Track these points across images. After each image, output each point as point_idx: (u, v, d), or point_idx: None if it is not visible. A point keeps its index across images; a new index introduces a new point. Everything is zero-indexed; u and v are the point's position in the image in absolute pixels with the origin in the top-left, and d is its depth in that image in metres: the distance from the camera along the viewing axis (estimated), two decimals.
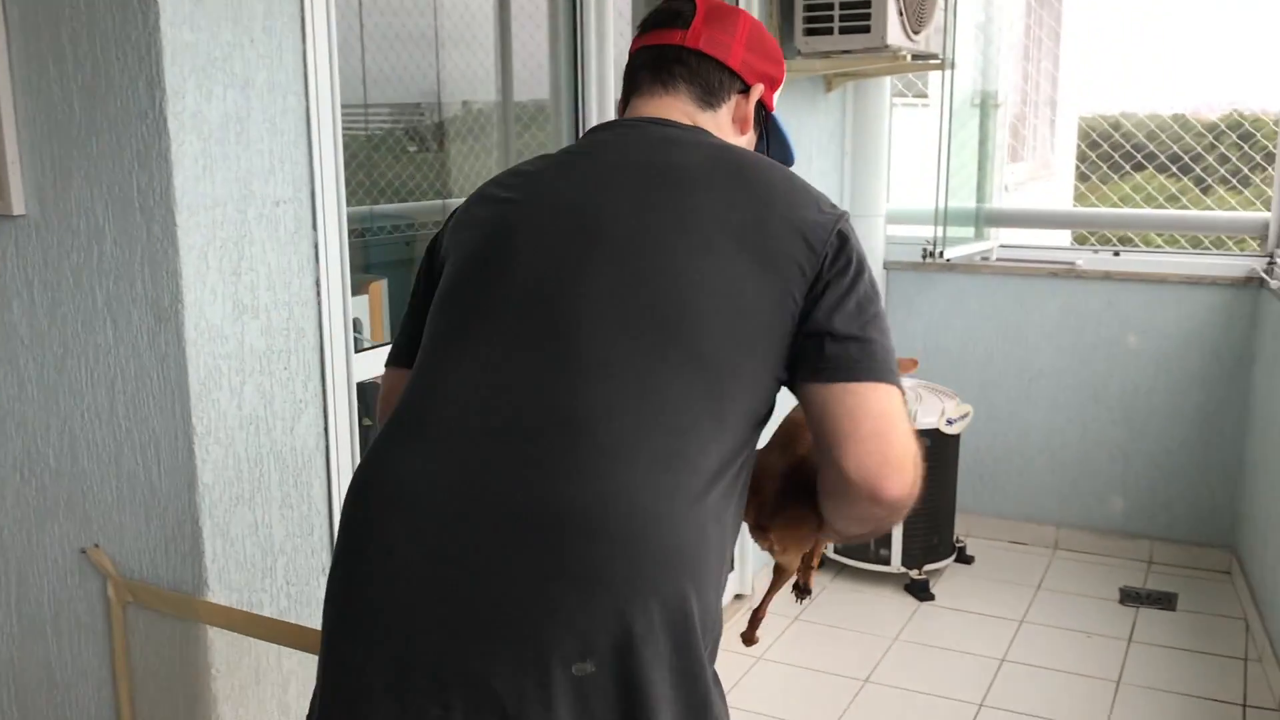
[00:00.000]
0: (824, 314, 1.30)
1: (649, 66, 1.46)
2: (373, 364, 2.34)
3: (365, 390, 2.91)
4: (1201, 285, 4.16)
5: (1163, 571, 4.29)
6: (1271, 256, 4.07)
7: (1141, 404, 4.31)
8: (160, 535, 1.89)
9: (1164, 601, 4.02)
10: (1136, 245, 4.69)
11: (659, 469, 1.23)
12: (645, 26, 1.50)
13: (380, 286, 3.86)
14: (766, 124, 1.55)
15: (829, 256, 1.30)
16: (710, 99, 1.45)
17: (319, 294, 2.04)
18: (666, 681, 1.21)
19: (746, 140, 1.52)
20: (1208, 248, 4.55)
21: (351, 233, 5.18)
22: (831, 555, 4.25)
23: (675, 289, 1.29)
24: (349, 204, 4.94)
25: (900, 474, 1.28)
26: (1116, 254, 4.40)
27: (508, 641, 1.19)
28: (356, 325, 3.47)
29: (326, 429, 2.09)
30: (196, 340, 1.80)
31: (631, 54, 1.51)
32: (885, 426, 1.28)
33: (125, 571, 1.94)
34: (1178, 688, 3.43)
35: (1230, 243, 4.45)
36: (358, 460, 2.16)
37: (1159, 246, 4.63)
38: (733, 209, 1.33)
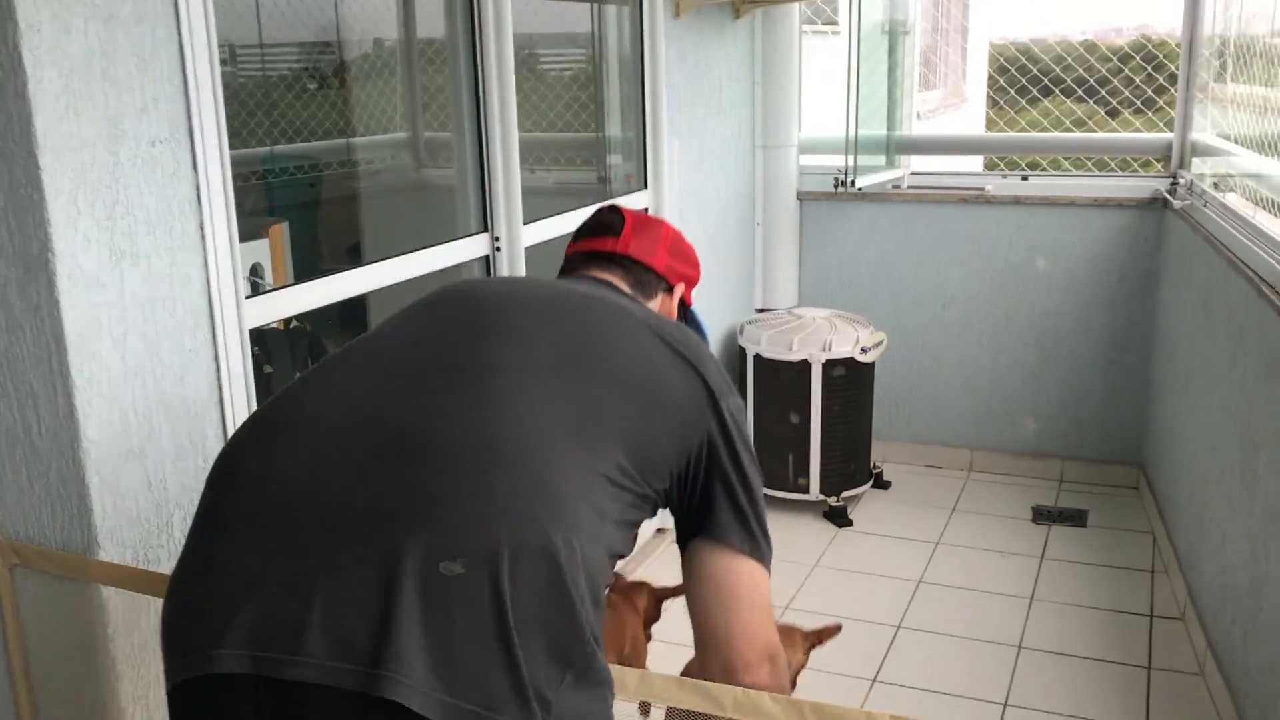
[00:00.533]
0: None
1: (586, 263, 1.67)
2: (271, 309, 2.27)
3: (265, 336, 2.82)
4: (1108, 208, 4.21)
5: (1074, 489, 4.40)
6: (1174, 177, 4.13)
7: (1051, 327, 4.38)
8: (45, 494, 1.81)
9: (1075, 519, 4.12)
10: (1045, 170, 4.73)
11: (566, 456, 1.30)
12: (579, 235, 1.71)
13: (281, 229, 3.74)
14: (685, 316, 1.74)
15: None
16: (642, 291, 1.65)
17: (203, 238, 1.96)
18: (539, 612, 1.20)
19: None
20: (1115, 171, 4.60)
21: (252, 175, 5.01)
22: None
23: (598, 354, 1.43)
24: (248, 145, 4.77)
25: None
26: (1025, 178, 4.43)
27: (375, 538, 1.19)
28: (256, 270, 3.37)
29: (220, 378, 2.02)
30: (71, 290, 1.72)
31: (567, 257, 1.71)
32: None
33: (10, 534, 1.86)
34: (1088, 601, 3.52)
35: (1135, 165, 4.51)
36: (252, 409, 2.09)
37: (1067, 171, 4.67)
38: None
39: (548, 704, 1.18)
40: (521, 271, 2.95)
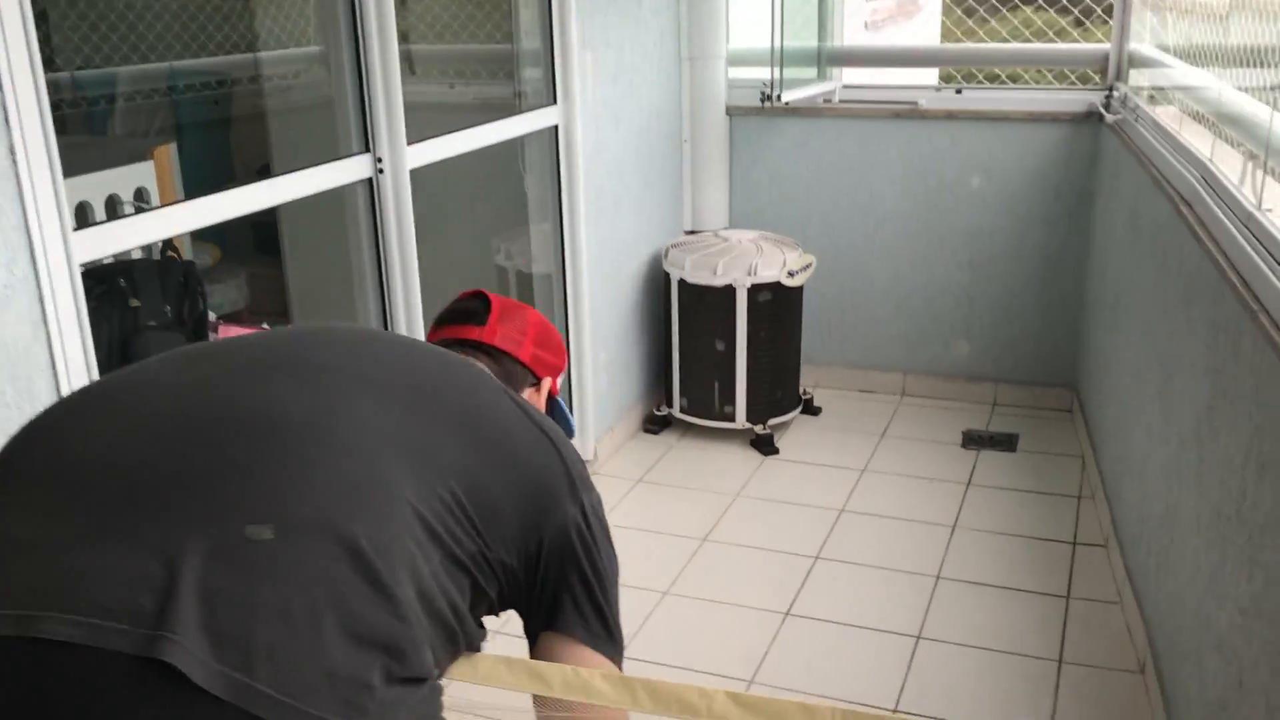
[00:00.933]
0: None
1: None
2: (111, 240, 2.09)
3: (133, 269, 2.65)
4: (1043, 122, 4.07)
5: (1006, 413, 4.32)
6: (1110, 90, 3.99)
7: (985, 246, 4.26)
8: None
9: (1005, 443, 4.05)
10: (984, 84, 4.56)
11: (399, 465, 1.20)
12: (441, 322, 1.61)
13: (168, 150, 3.52)
14: (551, 409, 1.63)
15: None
16: (509, 382, 1.52)
17: (15, 164, 1.78)
18: (351, 593, 1.07)
19: None
20: (1074, 85, 4.44)
21: (151, 92, 4.72)
22: (677, 415, 4.16)
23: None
24: (149, 60, 4.48)
25: None
26: (959, 91, 4.27)
27: (176, 501, 1.09)
28: (141, 194, 3.17)
29: (45, 316, 1.86)
30: None
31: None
32: None
33: None
34: (1011, 529, 3.46)
35: (1073, 77, 4.35)
36: (89, 348, 1.94)
37: (1004, 84, 4.51)
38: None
39: (361, 695, 1.06)
40: (407, 196, 2.78)
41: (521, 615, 1.38)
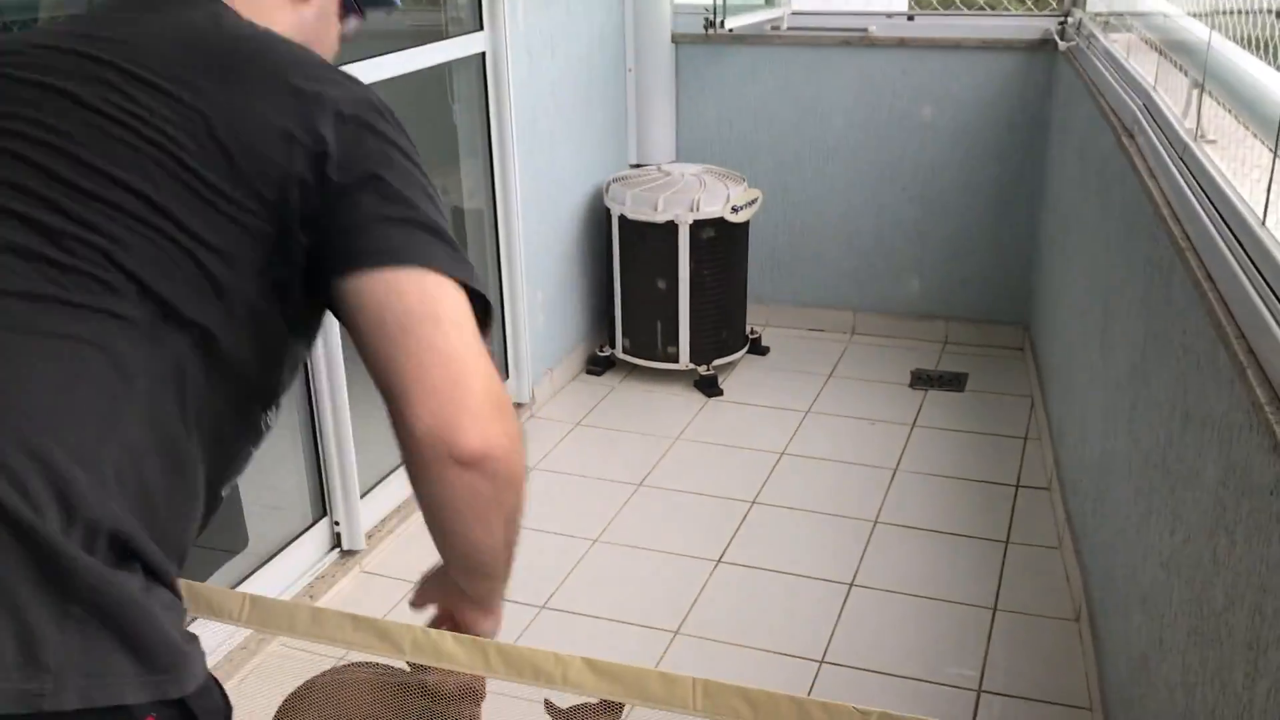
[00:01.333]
0: None
1: None
2: None
3: None
4: (997, 50, 3.92)
5: (958, 352, 4.22)
6: (1065, 16, 3.84)
7: (937, 180, 4.13)
8: None
9: (953, 383, 3.96)
10: (935, 10, 4.39)
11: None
12: None
13: None
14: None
15: None
16: None
17: None
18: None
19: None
20: (1030, 8, 4.27)
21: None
22: (621, 355, 4.05)
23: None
24: None
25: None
26: (911, 18, 4.10)
27: None
28: None
29: None
30: None
31: None
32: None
33: None
34: (954, 471, 3.37)
35: (1029, 2, 4.19)
36: None
37: (958, 10, 4.33)
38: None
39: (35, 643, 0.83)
40: None
41: (326, 262, 1.04)
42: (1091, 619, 2.49)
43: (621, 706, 1.90)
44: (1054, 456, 3.23)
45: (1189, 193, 1.83)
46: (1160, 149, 2.10)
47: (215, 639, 2.50)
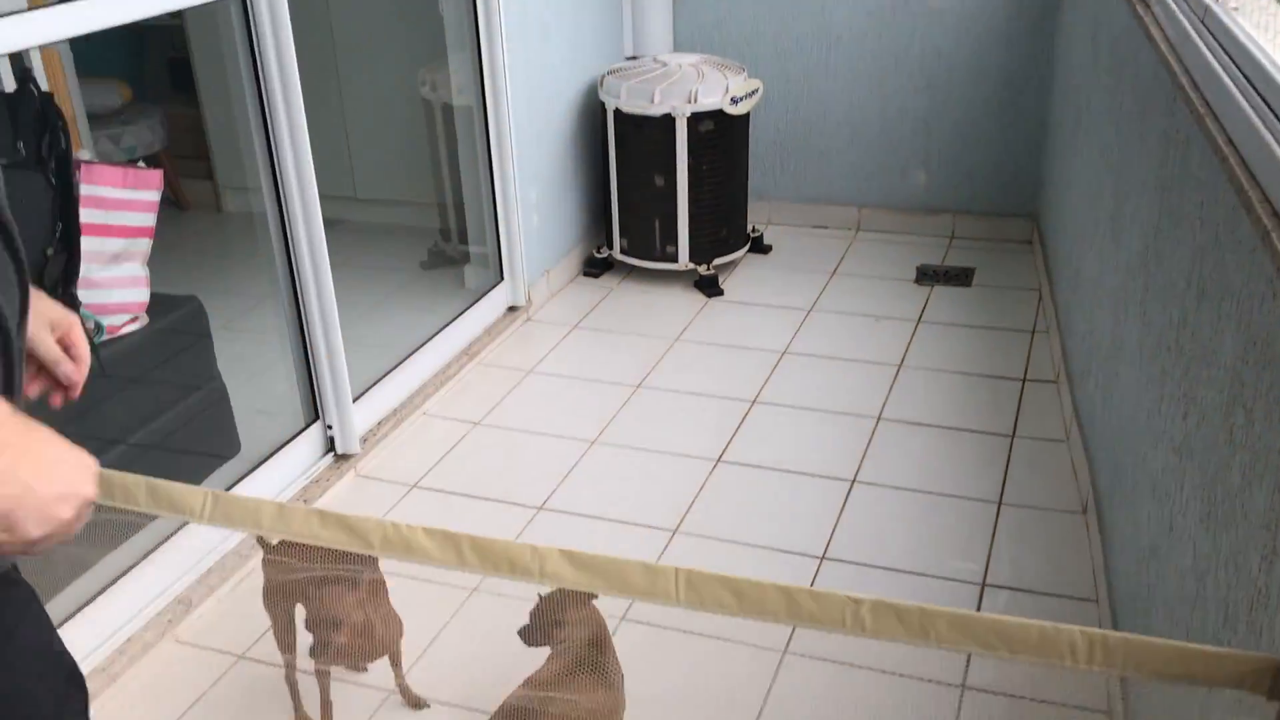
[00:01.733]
0: None
1: None
2: None
3: None
4: None
5: (964, 246, 4.12)
6: None
7: (944, 68, 3.98)
8: None
9: (960, 278, 3.86)
10: None
11: None
12: None
13: None
14: None
15: None
16: None
17: None
18: None
19: None
20: None
21: None
22: (618, 256, 3.95)
23: None
24: None
25: None
26: None
27: None
28: None
29: None
30: None
31: None
32: None
33: None
34: (959, 366, 3.30)
35: None
36: None
37: None
38: None
39: None
40: (283, 12, 2.50)
41: None
42: (1099, 510, 2.44)
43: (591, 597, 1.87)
44: (1062, 348, 3.15)
45: (1211, 58, 1.71)
46: (1180, 15, 1.98)
47: (209, 543, 2.47)
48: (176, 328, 2.60)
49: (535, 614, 1.84)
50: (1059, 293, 3.39)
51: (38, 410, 1.14)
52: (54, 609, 2.15)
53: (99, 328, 2.38)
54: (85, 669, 2.02)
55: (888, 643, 0.97)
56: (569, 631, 1.83)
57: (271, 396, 2.96)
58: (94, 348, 2.34)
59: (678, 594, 1.08)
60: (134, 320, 2.47)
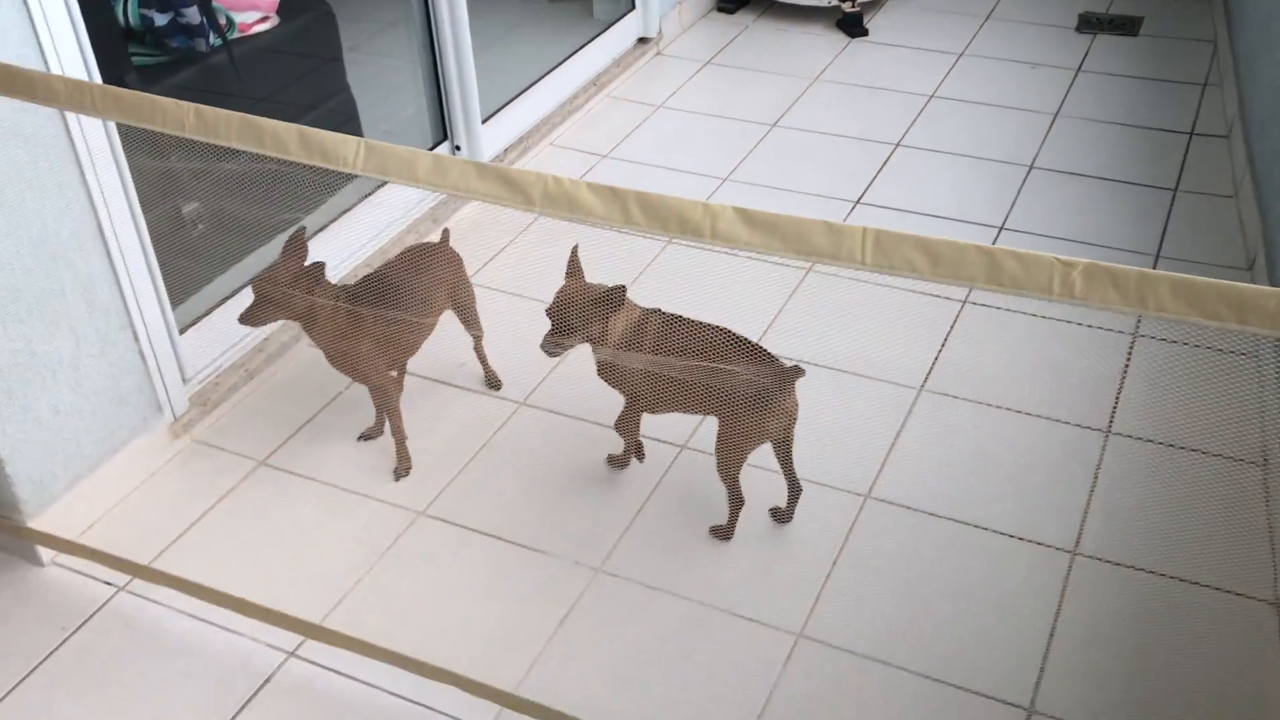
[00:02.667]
0: None
1: None
2: None
3: None
4: None
5: None
6: None
7: None
8: None
9: (1126, 26, 3.55)
10: None
11: None
12: None
13: None
14: None
15: None
16: None
17: None
18: None
19: None
20: None
21: None
22: None
23: None
24: None
25: None
26: None
27: None
28: None
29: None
30: None
31: None
32: None
33: None
34: (1121, 117, 3.07)
35: None
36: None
37: None
38: None
39: None
40: None
41: None
42: (1269, 268, 2.28)
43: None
44: (1239, 100, 2.90)
45: None
46: None
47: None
48: (308, 32, 2.52)
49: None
50: (1239, 41, 3.10)
51: (172, 90, 1.09)
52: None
53: (230, 23, 2.31)
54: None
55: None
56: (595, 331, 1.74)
57: (399, 119, 2.90)
58: (225, 44, 2.29)
59: (863, 255, 1.01)
60: (264, 20, 2.40)
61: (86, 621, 1.77)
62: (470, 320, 2.09)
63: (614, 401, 1.92)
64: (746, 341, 1.76)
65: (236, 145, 1.19)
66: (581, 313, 1.72)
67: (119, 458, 1.96)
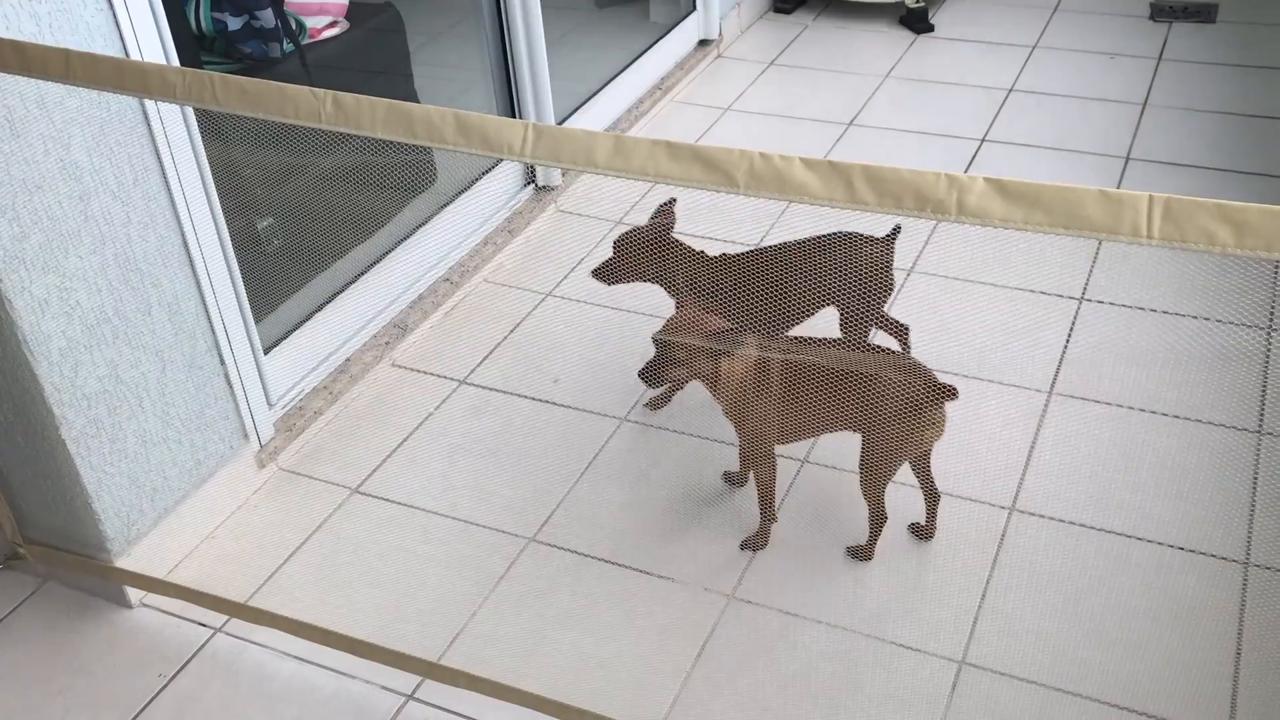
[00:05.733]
0: None
1: None
2: None
3: None
4: None
5: None
6: None
7: None
8: None
9: (1201, 14, 3.42)
10: None
11: None
12: None
13: None
14: None
15: None
16: None
17: None
18: None
19: None
20: None
21: None
22: None
23: None
24: None
25: None
26: None
27: None
28: None
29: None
30: None
31: None
32: None
33: None
34: (1213, 105, 2.94)
35: None
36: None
37: None
38: None
39: None
40: None
41: None
42: None
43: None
44: None
45: None
46: None
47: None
48: (376, 34, 2.41)
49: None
50: None
51: (251, 70, 0.97)
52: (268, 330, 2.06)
53: (301, 27, 2.20)
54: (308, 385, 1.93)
55: None
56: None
57: None
58: (298, 49, 2.18)
59: (1149, 227, 0.87)
60: (334, 25, 2.28)
61: (185, 666, 1.63)
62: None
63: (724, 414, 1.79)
64: (889, 350, 1.63)
65: (382, 135, 1.07)
66: (689, 349, 1.62)
67: (206, 489, 1.83)
